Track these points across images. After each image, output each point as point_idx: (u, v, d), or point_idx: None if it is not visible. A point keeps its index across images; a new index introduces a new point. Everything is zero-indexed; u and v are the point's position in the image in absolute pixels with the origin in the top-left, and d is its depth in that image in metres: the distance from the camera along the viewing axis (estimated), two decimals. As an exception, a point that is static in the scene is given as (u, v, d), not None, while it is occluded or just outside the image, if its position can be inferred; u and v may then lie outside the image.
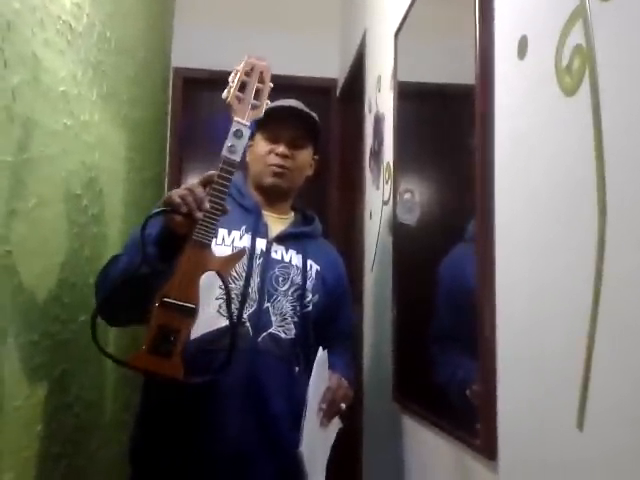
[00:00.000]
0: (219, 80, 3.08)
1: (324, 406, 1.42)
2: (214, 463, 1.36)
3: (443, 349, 1.44)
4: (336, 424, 1.46)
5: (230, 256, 1.39)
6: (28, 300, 1.32)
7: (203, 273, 1.26)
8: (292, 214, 1.64)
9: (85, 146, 1.67)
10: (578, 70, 0.83)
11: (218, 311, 1.39)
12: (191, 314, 1.23)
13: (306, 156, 1.61)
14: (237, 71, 1.33)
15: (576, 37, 0.84)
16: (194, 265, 1.24)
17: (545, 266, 0.93)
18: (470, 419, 1.20)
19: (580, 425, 0.81)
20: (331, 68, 3.32)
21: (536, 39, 0.98)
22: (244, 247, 1.45)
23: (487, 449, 1.12)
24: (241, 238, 1.47)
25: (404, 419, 1.70)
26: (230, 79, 1.32)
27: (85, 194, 1.67)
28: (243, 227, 1.48)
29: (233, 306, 1.38)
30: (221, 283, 1.38)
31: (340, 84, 3.24)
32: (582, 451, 0.81)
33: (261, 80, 1.34)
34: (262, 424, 1.39)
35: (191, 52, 3.22)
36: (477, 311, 1.16)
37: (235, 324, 1.32)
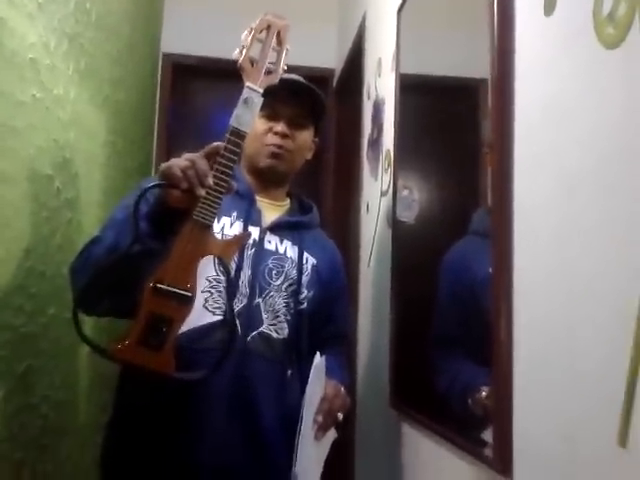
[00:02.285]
0: (211, 67, 3.02)
1: (320, 418, 1.28)
2: (194, 477, 1.22)
3: (444, 352, 1.31)
4: (331, 435, 1.33)
5: (232, 239, 1.25)
6: (-17, 288, 1.18)
7: (202, 257, 1.12)
8: (288, 201, 1.50)
9: (58, 123, 1.53)
10: (625, 16, 0.70)
11: (204, 306, 1.24)
12: (186, 303, 1.09)
13: (307, 137, 1.46)
14: (251, 29, 1.17)
15: (622, -22, 0.71)
16: (193, 248, 1.09)
17: (577, 257, 0.80)
18: (475, 429, 1.08)
19: (623, 441, 0.67)
20: (328, 58, 3.19)
21: (568, -11, 0.84)
22: (248, 231, 1.31)
23: (500, 463, 0.98)
24: (232, 226, 1.32)
25: (403, 426, 1.56)
26: (243, 38, 1.17)
27: (57, 175, 1.52)
28: (234, 213, 1.34)
29: (221, 301, 1.25)
30: (209, 274, 1.25)
31: (338, 73, 3.11)
32: (626, 472, 0.67)
33: (278, 41, 1.19)
34: (250, 435, 1.26)
35: (182, 38, 3.10)
36: (490, 312, 1.02)
37: (232, 314, 1.18)
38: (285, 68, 1.21)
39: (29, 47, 1.32)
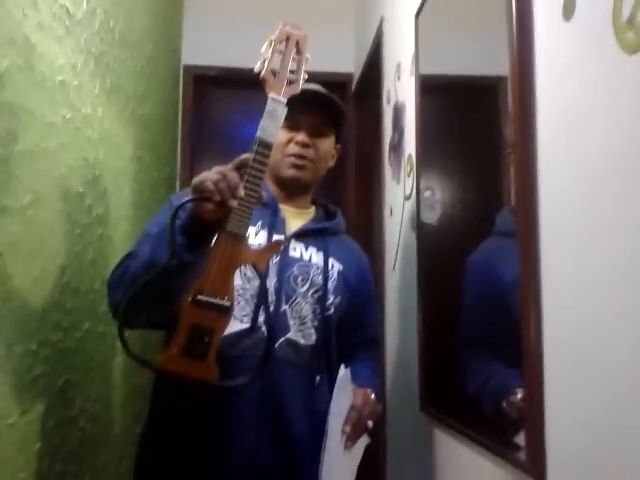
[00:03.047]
0: (231, 77, 3.06)
1: (347, 429, 1.27)
2: None
3: (473, 355, 1.31)
4: (363, 441, 1.32)
5: (266, 248, 1.27)
6: (23, 306, 1.21)
7: (238, 267, 1.16)
8: (313, 208, 1.52)
9: (87, 142, 1.57)
10: (646, 22, 0.71)
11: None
12: (226, 312, 1.12)
13: (328, 145, 1.47)
14: (271, 41, 1.20)
15: (642, -16, 0.71)
16: (228, 258, 1.12)
17: (603, 254, 0.80)
18: (508, 433, 1.08)
19: (659, 443, 0.68)
20: (346, 62, 3.20)
21: (587, -5, 0.85)
22: (281, 238, 1.33)
23: (533, 467, 0.98)
24: (257, 235, 1.34)
25: (434, 431, 1.57)
26: (263, 50, 1.19)
27: (88, 193, 1.56)
28: (259, 223, 1.36)
29: (248, 308, 1.27)
30: (235, 283, 1.27)
31: (356, 78, 3.13)
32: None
33: (298, 51, 1.21)
34: (281, 443, 1.27)
35: (202, 49, 3.13)
36: (520, 311, 1.03)
37: (271, 323, 1.21)
38: (306, 77, 1.23)
39: (58, 69, 1.36)
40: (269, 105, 1.16)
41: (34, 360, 1.25)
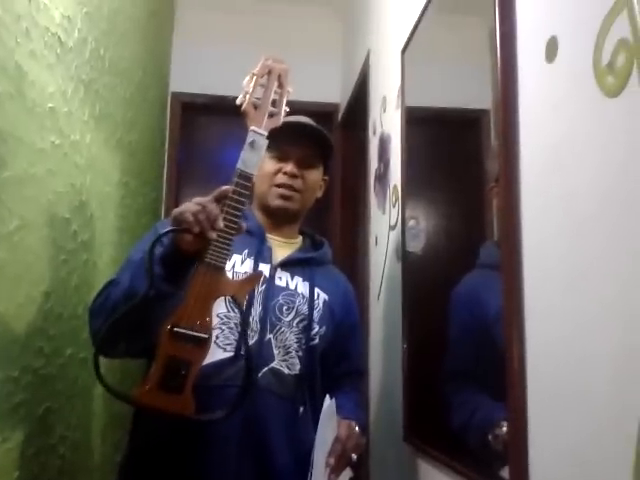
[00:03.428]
0: (218, 105, 3.09)
1: (331, 461, 1.27)
2: None
3: (459, 387, 1.31)
4: (346, 474, 1.31)
5: (245, 280, 1.27)
6: (7, 331, 1.20)
7: (217, 299, 1.15)
8: (300, 238, 1.53)
9: (75, 168, 1.57)
10: (623, 67, 0.73)
11: (215, 342, 1.26)
12: (203, 344, 1.11)
13: (316, 176, 1.49)
14: (253, 75, 1.22)
15: (619, 31, 0.74)
16: (207, 290, 1.12)
17: (586, 292, 0.82)
18: (493, 465, 1.08)
19: (638, 476, 0.69)
20: (333, 93, 3.26)
21: (568, 38, 0.88)
22: (261, 270, 1.34)
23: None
24: (242, 263, 1.35)
25: (417, 462, 1.57)
26: (245, 84, 1.22)
27: (74, 219, 1.56)
28: (245, 251, 1.37)
29: (232, 337, 1.27)
30: (219, 311, 1.27)
31: (342, 108, 3.17)
32: (643, 508, 0.69)
33: (279, 85, 1.24)
34: (263, 475, 1.26)
35: (190, 77, 3.17)
36: (504, 343, 1.04)
37: (249, 352, 1.20)
38: (287, 110, 1.25)
39: (49, 96, 1.37)
40: (250, 137, 1.17)
41: (15, 387, 1.24)
